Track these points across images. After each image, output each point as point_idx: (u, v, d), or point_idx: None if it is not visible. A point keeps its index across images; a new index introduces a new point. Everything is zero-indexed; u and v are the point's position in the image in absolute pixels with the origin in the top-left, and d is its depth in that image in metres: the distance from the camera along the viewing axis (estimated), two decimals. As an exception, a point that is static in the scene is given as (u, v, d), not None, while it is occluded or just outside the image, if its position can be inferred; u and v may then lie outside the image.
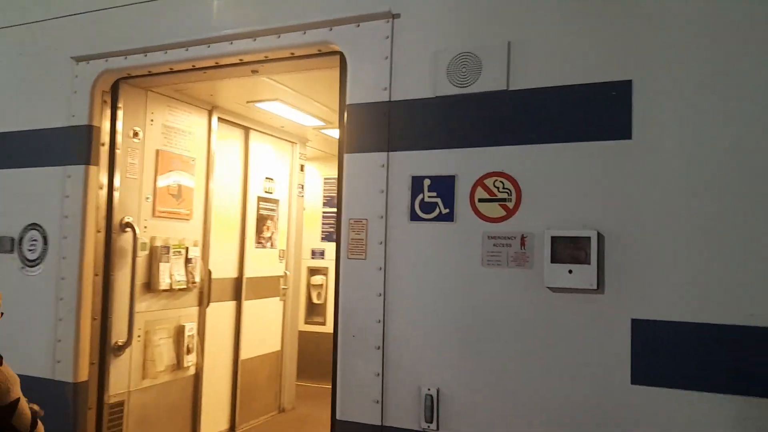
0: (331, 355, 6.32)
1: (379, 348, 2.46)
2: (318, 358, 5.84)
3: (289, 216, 5.46)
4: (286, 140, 5.42)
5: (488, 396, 2.28)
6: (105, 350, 3.33)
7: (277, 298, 5.26)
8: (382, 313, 2.46)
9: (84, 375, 3.19)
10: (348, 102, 2.63)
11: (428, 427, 2.34)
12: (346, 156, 2.61)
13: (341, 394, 2.52)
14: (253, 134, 4.96)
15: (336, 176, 6.94)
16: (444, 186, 2.42)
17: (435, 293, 2.39)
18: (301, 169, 5.66)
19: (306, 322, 6.45)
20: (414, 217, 2.45)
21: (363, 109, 2.59)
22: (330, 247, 6.67)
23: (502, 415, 2.25)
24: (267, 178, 5.19)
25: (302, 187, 5.65)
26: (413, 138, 2.49)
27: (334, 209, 6.82)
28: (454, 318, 2.35)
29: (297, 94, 4.09)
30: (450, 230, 2.39)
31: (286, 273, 5.35)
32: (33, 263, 3.29)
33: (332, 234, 6.73)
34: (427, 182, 2.45)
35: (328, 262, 6.58)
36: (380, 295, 2.47)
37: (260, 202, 5.07)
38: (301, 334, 5.86)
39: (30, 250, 3.31)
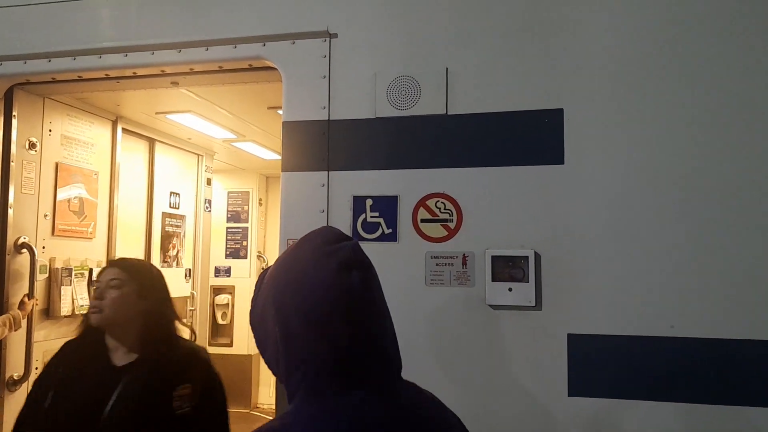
0: (237, 377, 6.05)
1: (320, 371, 2.40)
2: (229, 379, 5.59)
3: (196, 232, 5.21)
4: (192, 152, 5.18)
5: (432, 414, 2.31)
6: (-2, 386, 2.97)
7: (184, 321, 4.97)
8: (323, 336, 2.41)
9: (-26, 416, 2.82)
10: (285, 119, 2.57)
11: (373, 449, 2.32)
12: (284, 174, 2.54)
13: (281, 421, 2.43)
14: (158, 146, 4.68)
15: (241, 190, 6.74)
16: (386, 206, 2.43)
17: (378, 314, 2.38)
18: (208, 183, 5.43)
19: (210, 344, 6.16)
20: (356, 237, 2.44)
21: (301, 127, 2.55)
22: (236, 265, 6.44)
23: (446, 432, 2.29)
24: (172, 192, 4.92)
25: (209, 202, 5.41)
26: (354, 158, 2.49)
27: (239, 224, 6.64)
28: (398, 337, 2.35)
29: (210, 105, 3.93)
30: (393, 250, 2.41)
31: (192, 293, 5.09)
32: None
33: (238, 250, 6.52)
34: (369, 202, 2.45)
35: (235, 280, 6.35)
36: (321, 317, 2.42)
37: (165, 218, 4.79)
38: (207, 356, 5.59)
39: None
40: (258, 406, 6.35)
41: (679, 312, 2.17)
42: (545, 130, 2.34)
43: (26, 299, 3.08)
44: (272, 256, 6.63)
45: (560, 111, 2.33)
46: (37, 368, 3.25)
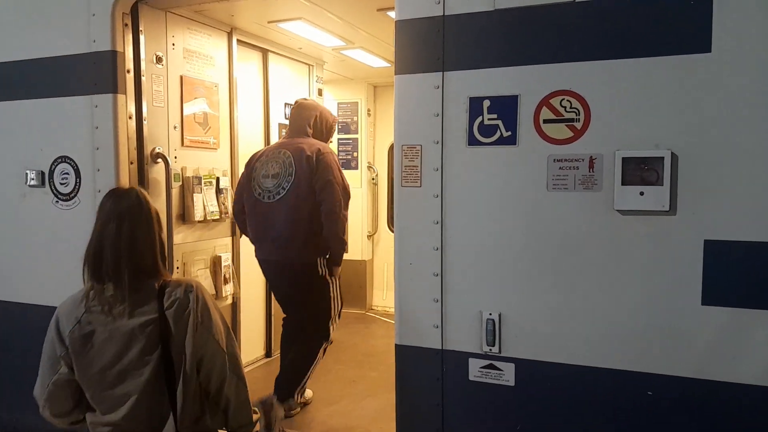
0: (353, 281, 6.28)
1: (437, 275, 2.43)
2: (346, 284, 5.90)
3: (310, 143, 5.32)
4: (303, 63, 5.21)
5: (554, 319, 2.28)
6: (147, 282, 3.32)
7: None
8: (440, 241, 2.42)
9: (130, 307, 3.18)
10: (397, 17, 2.47)
11: (490, 350, 2.36)
12: (397, 77, 2.47)
13: (400, 319, 2.52)
14: (271, 57, 4.75)
15: (351, 101, 6.76)
16: (505, 107, 2.31)
17: (497, 219, 2.34)
18: (319, 93, 5.48)
19: (327, 250, 6.44)
20: (472, 141, 2.36)
21: (414, 25, 2.44)
22: (348, 175, 6.52)
23: (567, 337, 2.26)
24: (286, 103, 5.02)
25: (321, 113, 5.47)
26: (471, 56, 2.35)
27: (350, 135, 6.71)
28: (517, 243, 2.31)
29: (320, 11, 3.87)
30: (512, 154, 2.31)
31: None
32: (67, 197, 3.21)
33: (349, 161, 6.63)
34: (486, 103, 2.33)
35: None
36: (437, 222, 2.42)
37: (282, 129, 4.93)
38: (325, 260, 5.87)
39: (62, 184, 3.22)
40: (372, 308, 6.67)
41: (843, 218, 1.92)
42: (689, 13, 2.06)
43: None
44: (381, 167, 6.69)
45: (709, -11, 2.03)
46: (178, 267, 3.59)
